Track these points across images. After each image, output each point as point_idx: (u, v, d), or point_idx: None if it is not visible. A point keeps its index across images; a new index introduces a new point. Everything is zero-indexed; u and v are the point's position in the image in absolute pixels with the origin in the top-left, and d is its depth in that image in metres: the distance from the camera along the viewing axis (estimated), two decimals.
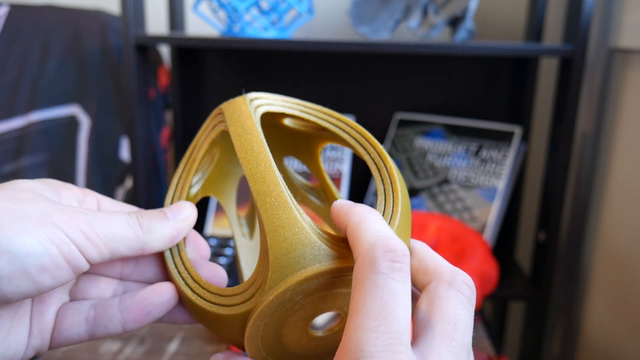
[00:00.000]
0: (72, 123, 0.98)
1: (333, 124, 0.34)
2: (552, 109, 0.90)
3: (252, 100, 0.34)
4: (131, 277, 0.32)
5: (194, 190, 0.35)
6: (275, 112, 0.35)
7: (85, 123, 0.98)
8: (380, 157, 0.31)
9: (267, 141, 0.31)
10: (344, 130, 0.33)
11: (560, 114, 0.87)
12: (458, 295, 0.24)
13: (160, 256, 0.32)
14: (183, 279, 0.30)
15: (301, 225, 0.26)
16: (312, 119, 0.34)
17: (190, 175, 0.34)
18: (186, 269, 0.31)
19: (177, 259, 0.31)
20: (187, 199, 0.34)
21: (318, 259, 0.26)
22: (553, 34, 1.03)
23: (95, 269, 0.31)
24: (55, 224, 0.26)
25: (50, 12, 1.00)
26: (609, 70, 0.89)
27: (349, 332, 0.22)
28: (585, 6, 0.81)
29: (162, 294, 0.30)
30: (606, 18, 0.88)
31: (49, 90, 0.97)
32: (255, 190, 0.28)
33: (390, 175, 0.30)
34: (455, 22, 0.89)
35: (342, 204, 0.27)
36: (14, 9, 0.99)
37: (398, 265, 0.23)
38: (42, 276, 0.25)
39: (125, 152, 1.01)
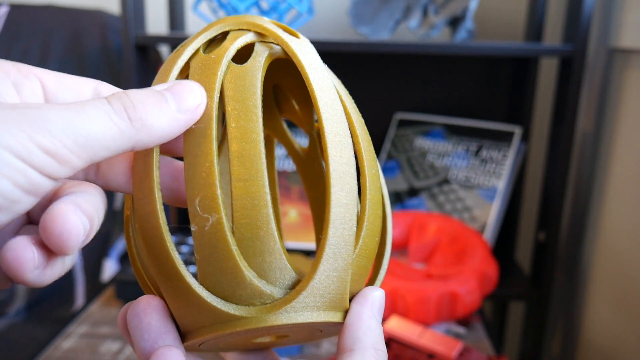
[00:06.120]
0: None
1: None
2: (552, 109, 0.90)
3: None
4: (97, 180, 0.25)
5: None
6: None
7: None
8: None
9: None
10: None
11: (560, 114, 0.87)
12: None
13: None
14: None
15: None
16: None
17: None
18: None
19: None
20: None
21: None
22: (553, 34, 1.03)
23: None
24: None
25: (50, 12, 1.00)
26: (609, 70, 0.89)
27: None
28: (585, 6, 0.81)
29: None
30: (606, 18, 0.88)
31: None
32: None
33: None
34: (455, 22, 0.89)
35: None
36: (14, 9, 0.98)
37: None
38: None
39: None
